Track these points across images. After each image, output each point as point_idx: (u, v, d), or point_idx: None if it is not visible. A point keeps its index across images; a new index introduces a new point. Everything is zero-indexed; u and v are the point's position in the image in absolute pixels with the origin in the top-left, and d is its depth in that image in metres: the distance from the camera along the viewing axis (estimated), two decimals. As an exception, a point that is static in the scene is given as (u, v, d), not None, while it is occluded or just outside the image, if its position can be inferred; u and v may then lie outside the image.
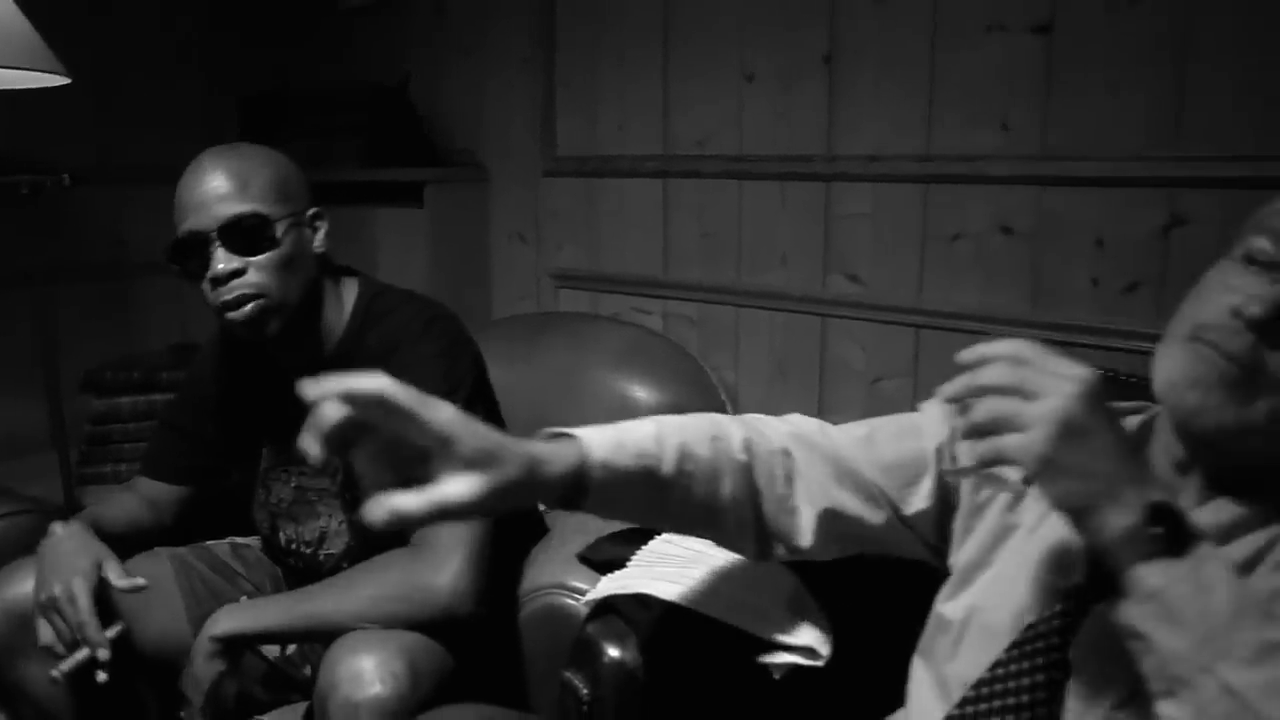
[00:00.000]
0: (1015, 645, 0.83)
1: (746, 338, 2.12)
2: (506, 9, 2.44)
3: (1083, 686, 0.79)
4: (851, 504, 0.99)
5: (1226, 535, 0.79)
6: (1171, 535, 0.69)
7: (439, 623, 1.22)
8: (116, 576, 1.32)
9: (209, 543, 1.58)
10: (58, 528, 1.37)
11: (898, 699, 1.00)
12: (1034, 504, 0.91)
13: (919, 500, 0.99)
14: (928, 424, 1.01)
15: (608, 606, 1.16)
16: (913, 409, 1.07)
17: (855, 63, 1.88)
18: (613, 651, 1.12)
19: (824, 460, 1.00)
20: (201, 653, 1.24)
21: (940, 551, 1.00)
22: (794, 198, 2.01)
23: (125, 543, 1.43)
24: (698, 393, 1.87)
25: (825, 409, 2.00)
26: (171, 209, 1.34)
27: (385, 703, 1.09)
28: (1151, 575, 0.69)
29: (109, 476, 2.33)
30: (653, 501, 0.93)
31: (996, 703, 0.82)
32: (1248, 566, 0.78)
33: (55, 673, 1.26)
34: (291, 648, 1.44)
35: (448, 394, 1.29)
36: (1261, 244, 0.78)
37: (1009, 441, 0.70)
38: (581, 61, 2.30)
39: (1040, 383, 0.71)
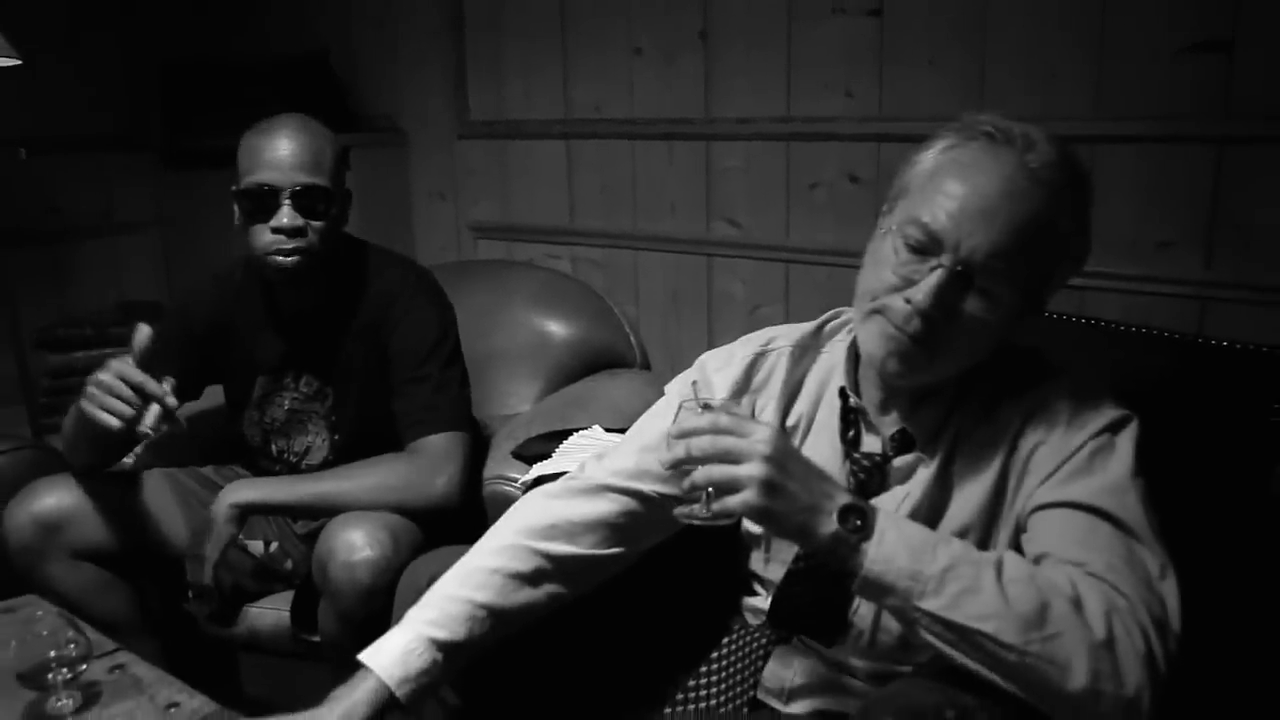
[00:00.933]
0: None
1: (644, 277, 2.45)
2: (417, -14, 2.66)
3: None
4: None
5: (930, 440, 1.04)
6: (863, 523, 0.87)
7: (430, 513, 1.50)
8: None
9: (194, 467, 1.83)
10: None
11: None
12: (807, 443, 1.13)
13: None
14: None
15: (538, 484, 1.48)
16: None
17: (726, 39, 2.21)
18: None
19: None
20: (221, 516, 1.49)
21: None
22: (679, 155, 2.33)
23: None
24: (604, 325, 2.15)
25: (713, 334, 2.36)
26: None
27: (375, 562, 1.39)
28: (858, 565, 0.87)
29: (70, 426, 2.52)
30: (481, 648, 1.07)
31: (799, 588, 1.10)
32: (948, 458, 1.02)
33: (147, 429, 1.35)
34: (274, 545, 1.72)
35: (441, 339, 1.58)
36: (913, 232, 0.98)
37: (731, 502, 0.87)
38: (488, 36, 2.57)
39: (740, 449, 0.87)
